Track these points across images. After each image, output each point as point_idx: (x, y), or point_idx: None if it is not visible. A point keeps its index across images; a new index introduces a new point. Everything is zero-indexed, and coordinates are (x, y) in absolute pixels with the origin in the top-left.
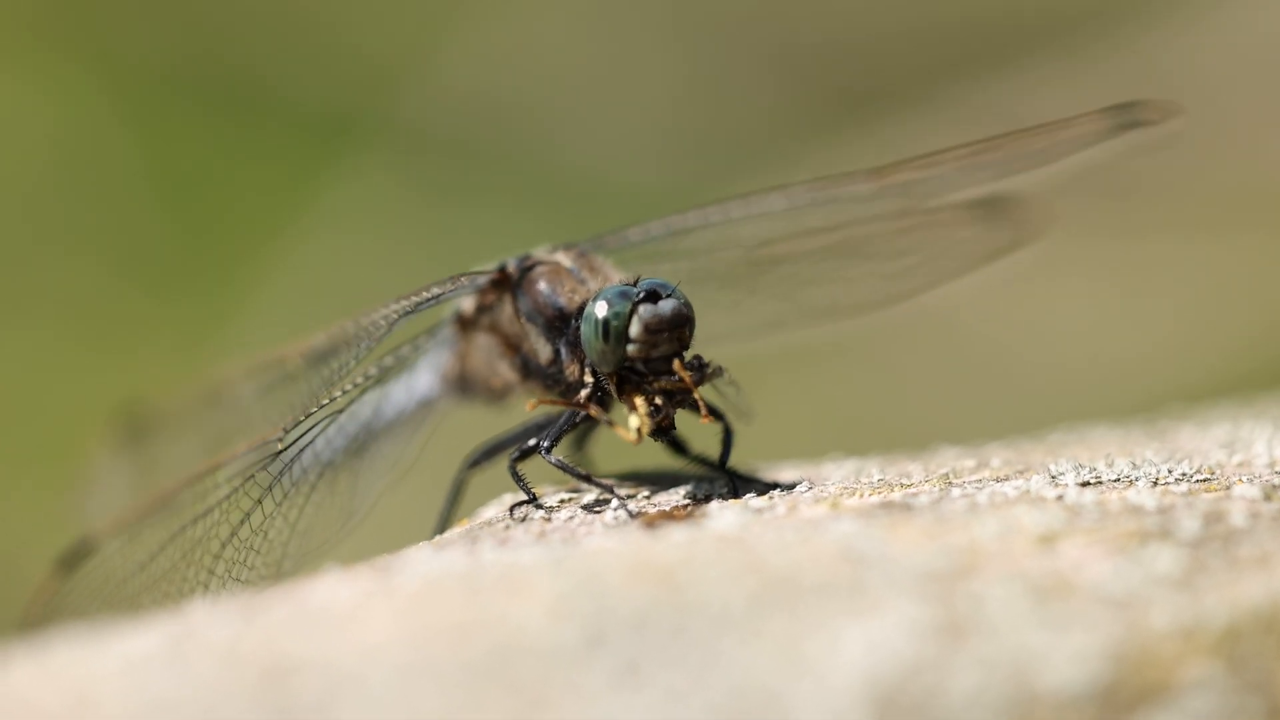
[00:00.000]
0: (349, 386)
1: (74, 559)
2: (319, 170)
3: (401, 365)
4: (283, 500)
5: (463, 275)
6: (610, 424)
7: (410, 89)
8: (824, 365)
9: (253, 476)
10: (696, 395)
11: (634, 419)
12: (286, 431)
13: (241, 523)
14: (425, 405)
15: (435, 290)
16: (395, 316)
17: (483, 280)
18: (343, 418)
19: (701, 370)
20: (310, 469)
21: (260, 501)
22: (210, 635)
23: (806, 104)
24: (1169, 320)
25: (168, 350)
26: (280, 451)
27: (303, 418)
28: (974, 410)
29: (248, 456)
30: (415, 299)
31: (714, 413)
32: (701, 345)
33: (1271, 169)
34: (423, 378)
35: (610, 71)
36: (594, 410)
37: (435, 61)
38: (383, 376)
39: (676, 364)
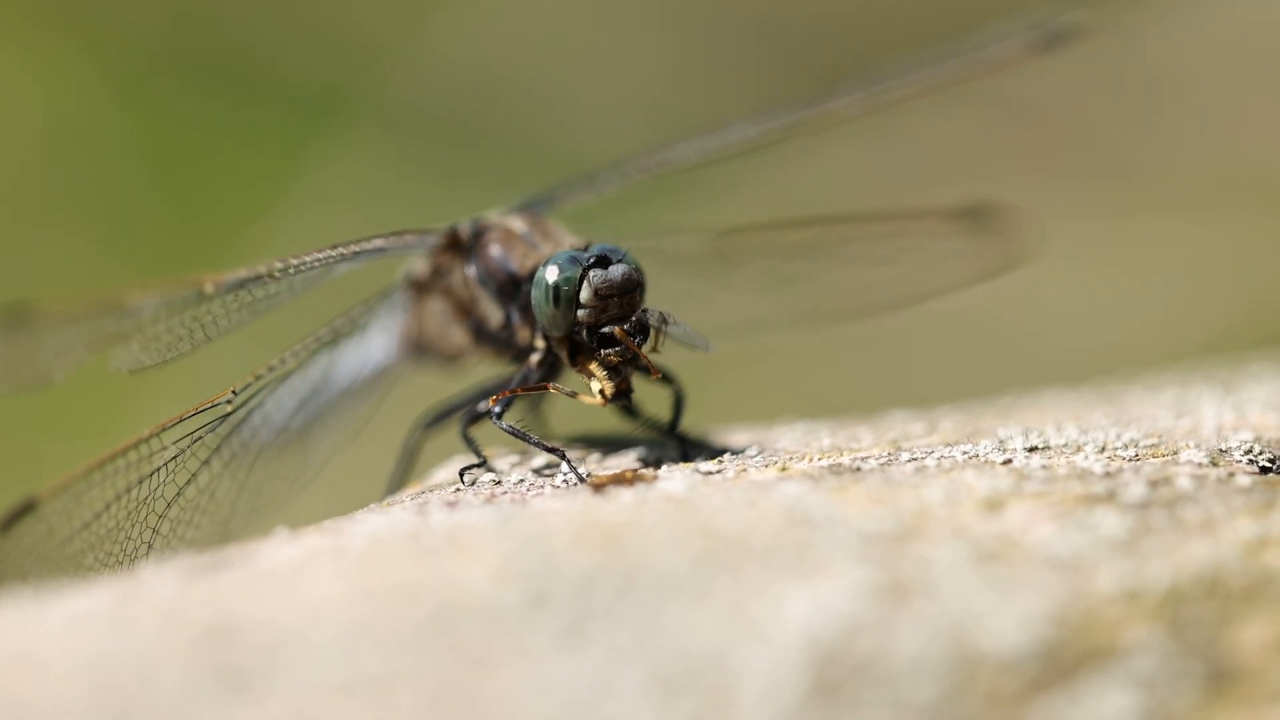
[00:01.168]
0: (299, 349)
1: (13, 517)
2: (309, 148)
3: (354, 327)
4: (231, 461)
5: (408, 231)
6: (573, 395)
7: (400, 67)
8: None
9: (201, 438)
10: (645, 359)
11: (594, 383)
12: (236, 393)
13: (188, 483)
14: (380, 369)
15: (378, 243)
16: (333, 260)
17: (431, 240)
18: (294, 380)
19: (645, 331)
20: (260, 430)
21: (208, 462)
22: (154, 594)
23: (796, 79)
24: (1151, 301)
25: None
26: (229, 414)
27: (252, 380)
28: (949, 388)
29: (196, 418)
30: (356, 248)
31: (665, 376)
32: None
33: (1257, 150)
34: (377, 341)
35: (600, 49)
36: (553, 388)
37: (425, 39)
38: (335, 339)
39: (618, 331)
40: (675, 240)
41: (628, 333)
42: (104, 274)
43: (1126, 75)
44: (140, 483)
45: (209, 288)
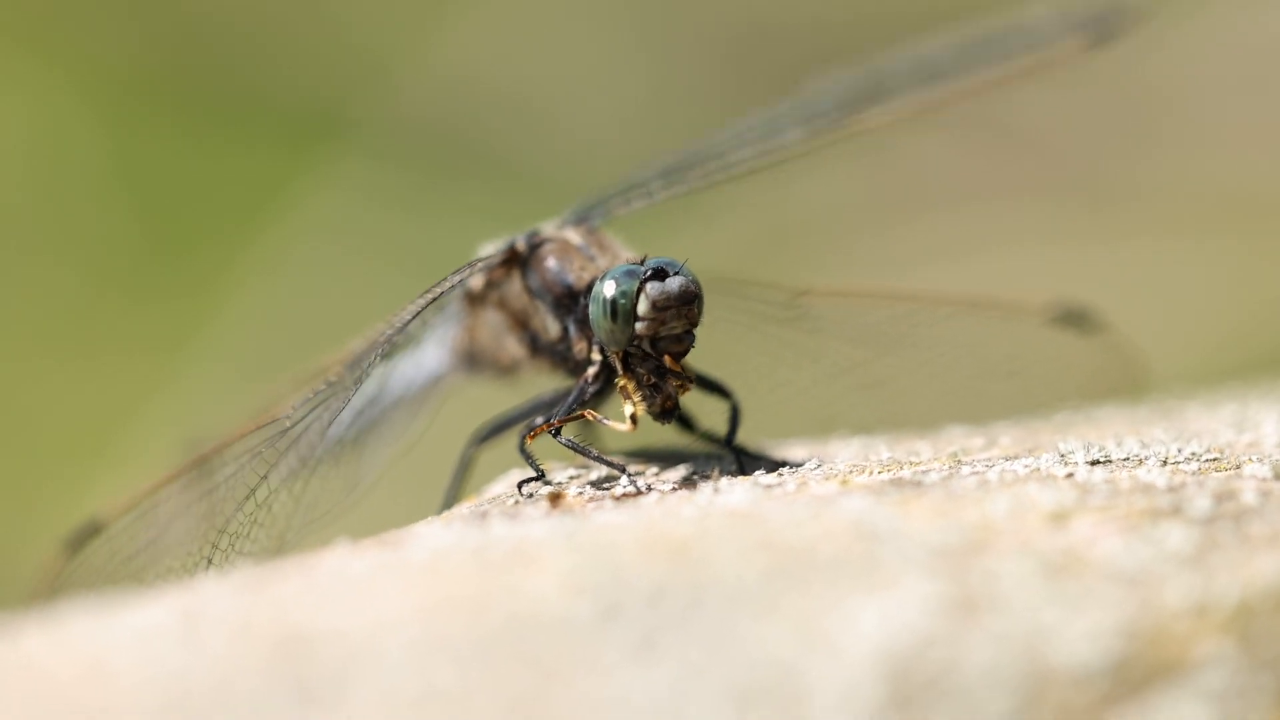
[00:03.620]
0: (354, 364)
1: (81, 539)
2: (298, 174)
3: (408, 340)
4: (288, 475)
5: (478, 261)
6: (604, 421)
7: (389, 91)
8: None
9: (260, 453)
10: (691, 380)
11: (628, 406)
12: (295, 409)
13: (246, 498)
14: (433, 380)
15: (454, 279)
16: (421, 308)
17: (495, 260)
18: (350, 394)
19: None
20: (316, 444)
21: (266, 477)
22: (221, 607)
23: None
24: (1145, 324)
25: (146, 354)
26: (289, 429)
27: (311, 395)
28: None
29: (257, 435)
30: (439, 289)
31: (721, 389)
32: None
33: (1248, 173)
34: (431, 353)
35: (599, 70)
36: (590, 415)
37: (419, 63)
38: (390, 352)
39: (669, 360)
40: (750, 294)
41: (685, 350)
42: (91, 300)
43: (1119, 98)
44: (201, 499)
45: (287, 422)
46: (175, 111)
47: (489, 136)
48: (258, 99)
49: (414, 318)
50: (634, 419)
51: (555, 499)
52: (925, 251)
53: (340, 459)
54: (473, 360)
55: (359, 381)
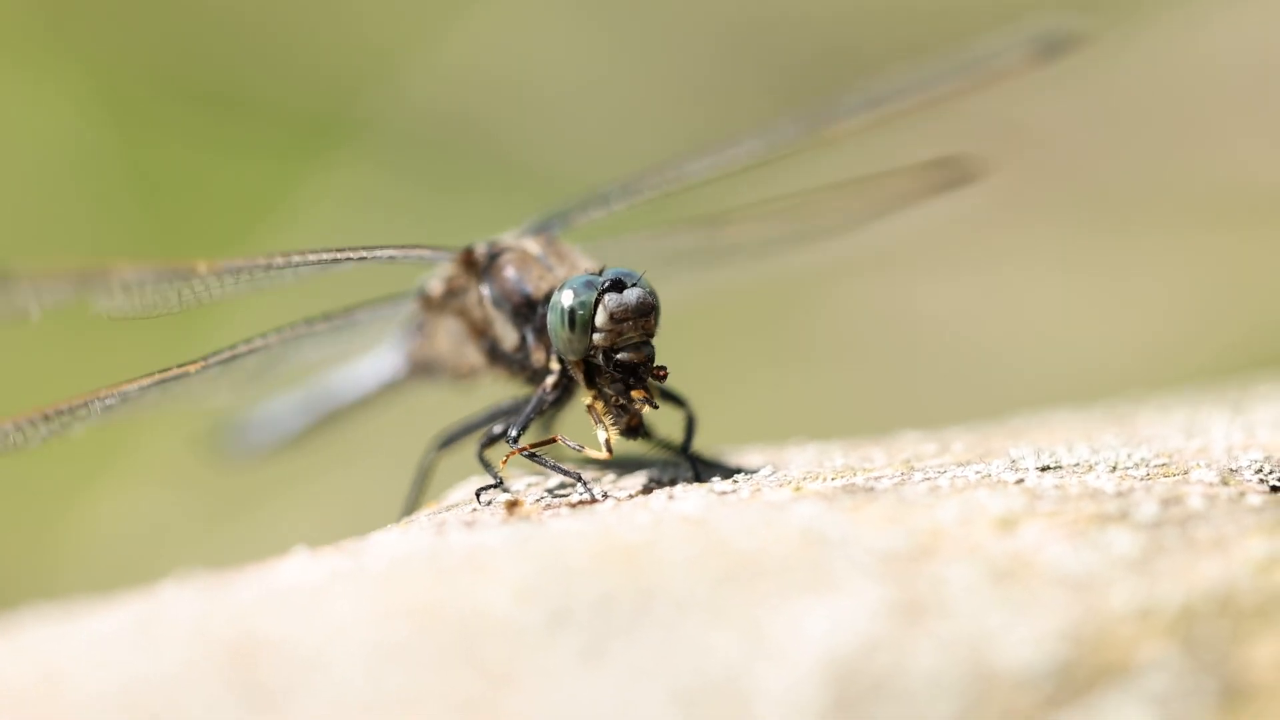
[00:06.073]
0: (287, 333)
1: None
2: (306, 175)
3: (354, 329)
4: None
5: (423, 246)
6: (580, 449)
7: (397, 96)
8: (799, 360)
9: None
10: (655, 399)
11: (600, 431)
12: (205, 359)
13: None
14: (390, 385)
15: (391, 252)
16: (339, 260)
17: (445, 255)
18: (298, 393)
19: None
20: (262, 430)
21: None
22: (178, 614)
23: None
24: (1146, 318)
25: (152, 354)
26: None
27: (227, 351)
28: (940, 406)
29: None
30: (366, 254)
31: (677, 399)
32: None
33: (1250, 167)
34: (388, 358)
35: (600, 77)
36: (561, 439)
37: (421, 66)
38: (332, 332)
39: (637, 393)
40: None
41: (643, 360)
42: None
43: (1114, 94)
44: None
45: (202, 269)
46: (186, 117)
47: (496, 141)
48: (267, 105)
49: (322, 262)
50: (609, 445)
51: (512, 506)
52: (916, 251)
53: (284, 453)
54: (430, 367)
55: (271, 333)
